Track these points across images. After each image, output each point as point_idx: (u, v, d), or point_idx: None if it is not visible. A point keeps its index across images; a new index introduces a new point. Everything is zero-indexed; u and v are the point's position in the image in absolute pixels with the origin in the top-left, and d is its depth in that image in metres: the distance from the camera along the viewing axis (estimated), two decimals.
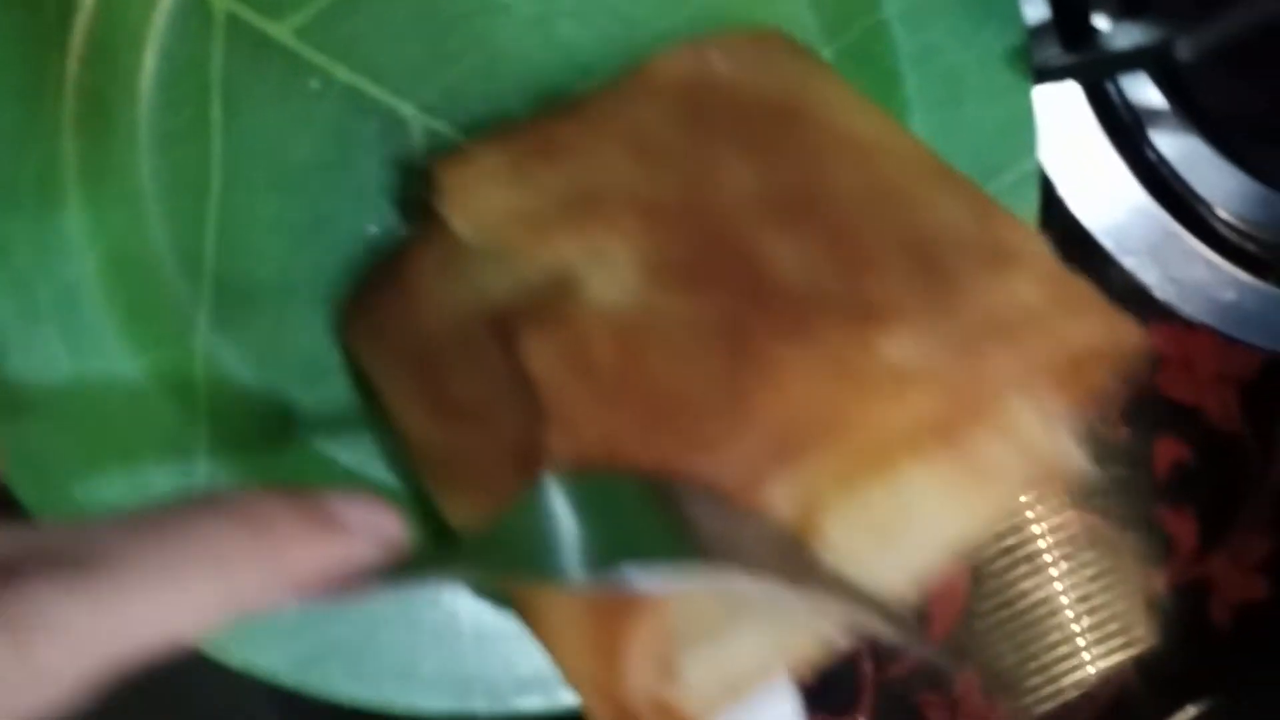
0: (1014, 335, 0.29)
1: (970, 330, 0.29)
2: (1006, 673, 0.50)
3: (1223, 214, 0.47)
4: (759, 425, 0.28)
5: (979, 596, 0.50)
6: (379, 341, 0.36)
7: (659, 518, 0.26)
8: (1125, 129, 0.46)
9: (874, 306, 0.29)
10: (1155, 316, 0.50)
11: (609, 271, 0.30)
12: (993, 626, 0.50)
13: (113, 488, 0.36)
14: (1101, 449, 0.50)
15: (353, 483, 0.38)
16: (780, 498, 0.28)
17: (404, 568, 0.25)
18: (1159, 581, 0.51)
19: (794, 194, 0.32)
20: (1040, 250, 0.32)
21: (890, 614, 0.28)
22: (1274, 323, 0.48)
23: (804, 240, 0.31)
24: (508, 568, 0.26)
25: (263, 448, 0.37)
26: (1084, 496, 0.50)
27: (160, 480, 0.37)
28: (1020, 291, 0.30)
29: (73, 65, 0.35)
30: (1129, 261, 0.47)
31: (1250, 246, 0.47)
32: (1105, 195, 0.46)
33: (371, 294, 0.37)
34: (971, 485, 0.31)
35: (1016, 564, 0.50)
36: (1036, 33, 0.45)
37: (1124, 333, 0.31)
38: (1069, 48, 0.45)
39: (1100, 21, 0.45)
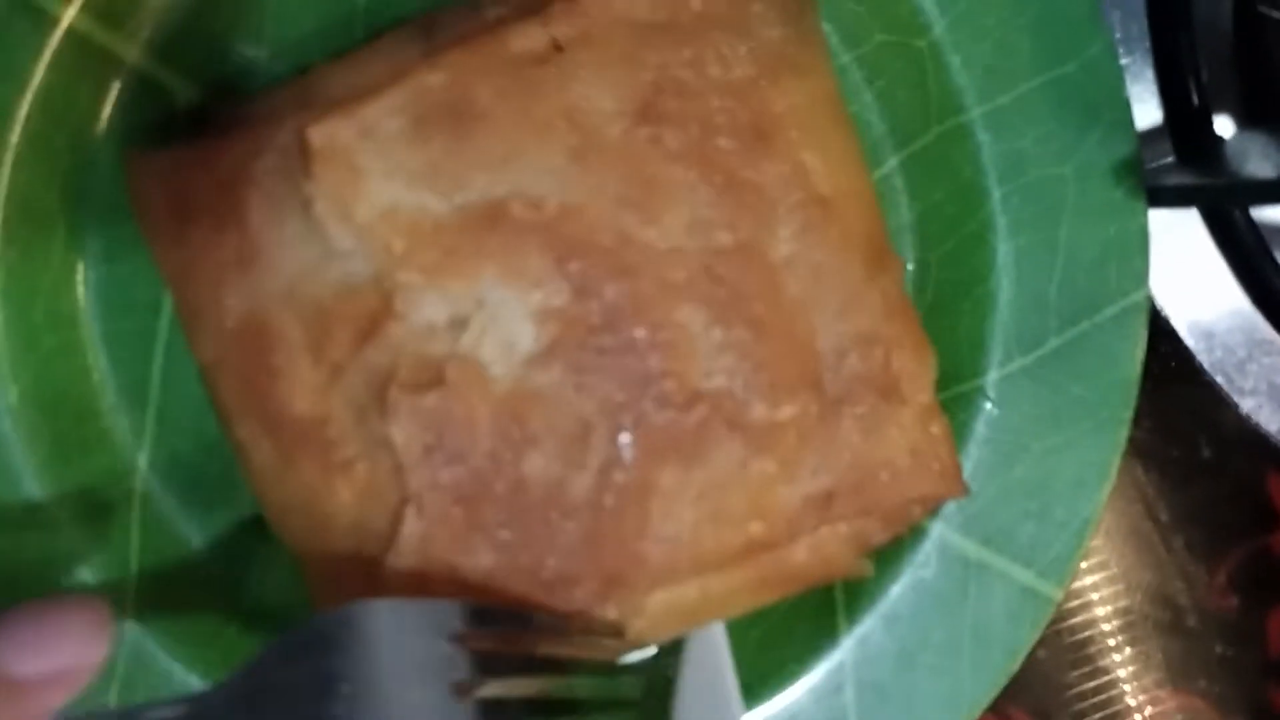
0: (866, 488, 0.32)
1: (830, 474, 0.31)
2: None
3: None
4: (609, 560, 0.30)
5: None
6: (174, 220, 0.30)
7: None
8: (1247, 252, 0.39)
9: (762, 435, 0.31)
10: (1274, 466, 0.43)
11: (498, 326, 0.29)
12: None
13: None
14: (1207, 622, 0.42)
15: None
16: (609, 612, 0.30)
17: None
18: None
19: (731, 267, 0.30)
20: (925, 399, 0.33)
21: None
22: None
23: (723, 332, 0.30)
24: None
25: (195, 616, 0.32)
26: (1184, 675, 0.43)
27: None
28: (890, 443, 0.32)
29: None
30: (1247, 404, 0.40)
31: None
32: (1223, 328, 0.39)
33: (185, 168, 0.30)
34: (771, 584, 0.33)
35: None
36: (1147, 138, 0.38)
37: (958, 489, 0.33)
38: (1185, 160, 0.38)
39: (1223, 126, 0.39)
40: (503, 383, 0.29)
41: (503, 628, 0.29)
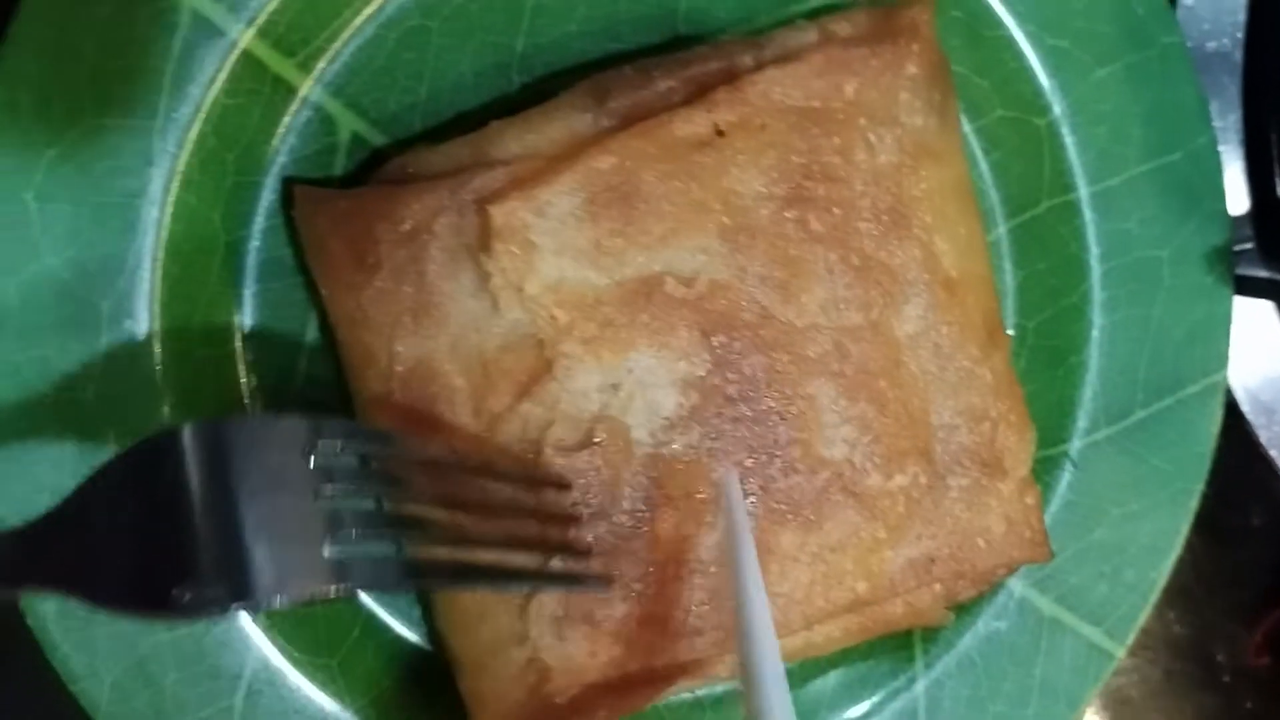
0: (964, 554, 0.34)
1: (933, 540, 0.34)
2: None
3: None
4: (729, 615, 0.31)
5: None
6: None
7: None
8: None
9: (875, 502, 0.33)
10: None
11: (645, 392, 0.31)
12: None
13: None
14: (1241, 679, 0.45)
15: None
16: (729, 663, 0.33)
17: None
18: None
19: (860, 343, 0.33)
20: (1024, 473, 0.35)
21: None
22: None
23: (848, 405, 0.32)
24: None
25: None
26: None
27: None
28: (989, 513, 0.34)
29: None
30: None
31: None
32: None
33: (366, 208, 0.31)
34: (865, 631, 0.35)
35: None
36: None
37: (1045, 555, 0.35)
38: (1265, 248, 0.40)
39: None
40: (645, 445, 0.31)
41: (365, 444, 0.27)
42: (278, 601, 0.24)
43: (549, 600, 0.31)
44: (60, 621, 0.31)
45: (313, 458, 0.25)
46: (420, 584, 0.29)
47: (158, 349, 0.32)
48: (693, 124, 0.31)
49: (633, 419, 0.31)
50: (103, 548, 0.24)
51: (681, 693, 0.35)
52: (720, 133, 0.31)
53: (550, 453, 0.30)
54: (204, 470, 0.25)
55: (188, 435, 0.25)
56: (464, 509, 0.29)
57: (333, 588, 0.24)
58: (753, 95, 0.31)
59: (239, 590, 0.24)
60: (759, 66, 0.32)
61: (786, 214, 0.32)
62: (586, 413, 0.31)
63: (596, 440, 0.31)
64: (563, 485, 0.31)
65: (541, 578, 0.30)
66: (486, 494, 0.30)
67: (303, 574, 0.24)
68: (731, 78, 0.32)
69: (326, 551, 0.25)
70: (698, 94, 0.31)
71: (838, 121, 0.32)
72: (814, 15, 0.35)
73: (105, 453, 0.31)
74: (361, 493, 0.26)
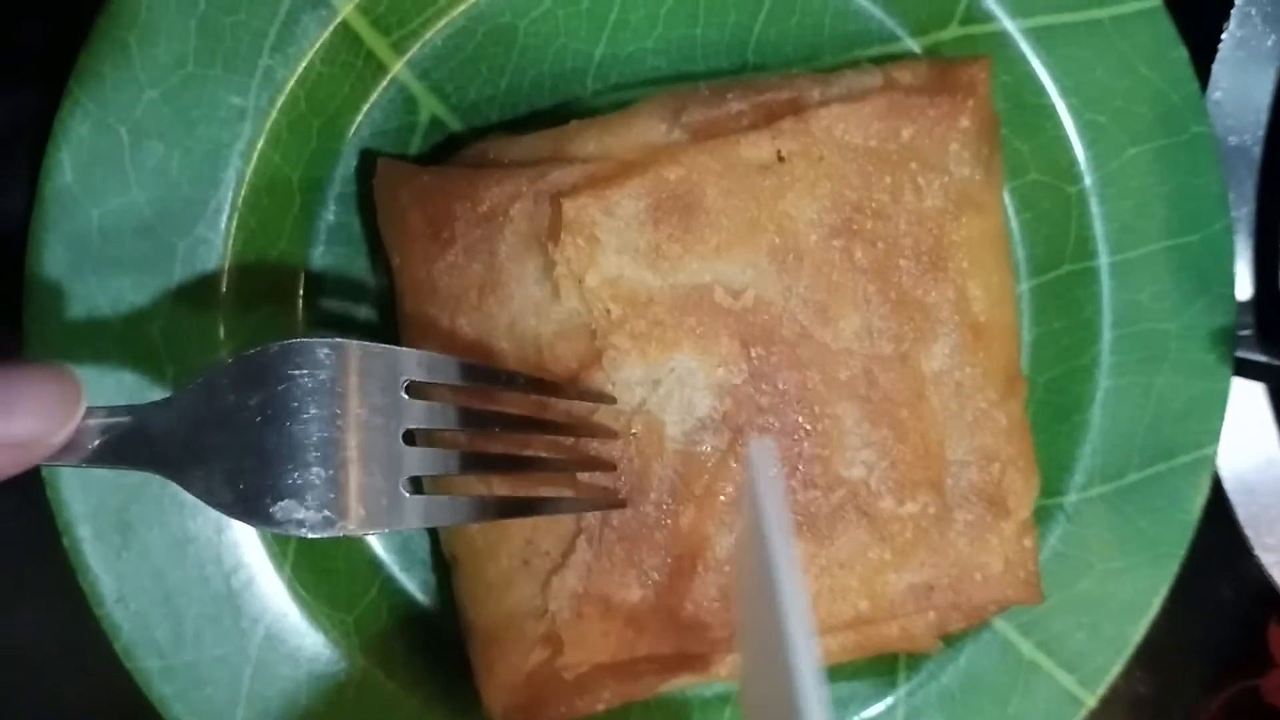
0: (962, 586, 0.36)
1: (934, 569, 0.35)
2: None
3: None
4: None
5: None
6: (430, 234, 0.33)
7: None
8: None
9: (885, 525, 0.35)
10: (1277, 619, 0.47)
11: (683, 391, 0.33)
12: None
13: None
14: None
15: None
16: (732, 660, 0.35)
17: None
18: None
19: (888, 373, 0.34)
20: (1025, 515, 0.36)
21: None
22: None
23: (870, 429, 0.34)
24: None
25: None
26: None
27: None
28: (989, 550, 0.36)
29: None
30: (1267, 559, 0.44)
31: None
32: (1264, 489, 0.44)
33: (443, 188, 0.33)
34: (859, 648, 0.37)
35: None
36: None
37: (1036, 598, 0.37)
38: (1264, 334, 0.43)
39: None
40: (677, 442, 0.33)
41: (473, 384, 0.30)
42: (365, 533, 0.25)
43: (571, 576, 0.32)
44: (95, 545, 0.32)
45: (404, 392, 0.27)
46: (491, 518, 0.31)
47: (224, 294, 0.33)
48: (758, 147, 0.33)
49: (669, 416, 0.33)
50: (208, 444, 0.25)
51: (679, 687, 0.36)
52: (781, 158, 0.33)
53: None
54: (311, 389, 0.26)
55: (300, 351, 0.26)
56: (521, 428, 0.31)
57: (417, 526, 0.26)
58: (816, 128, 0.33)
59: (331, 519, 0.25)
60: (825, 102, 0.34)
61: (834, 242, 0.34)
62: (627, 405, 0.32)
63: (634, 431, 0.32)
64: (606, 399, 0.32)
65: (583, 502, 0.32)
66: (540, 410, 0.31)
67: (391, 511, 0.26)
68: (798, 109, 0.34)
69: (412, 489, 0.27)
70: (765, 119, 0.33)
71: (891, 163, 0.34)
72: (877, 61, 0.37)
73: (163, 389, 0.32)
74: (448, 428, 0.28)
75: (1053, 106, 0.38)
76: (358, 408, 0.26)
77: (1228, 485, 0.44)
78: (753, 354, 0.33)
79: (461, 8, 0.34)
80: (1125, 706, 0.47)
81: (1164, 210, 0.39)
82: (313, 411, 0.26)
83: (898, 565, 0.35)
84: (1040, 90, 0.38)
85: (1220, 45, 0.42)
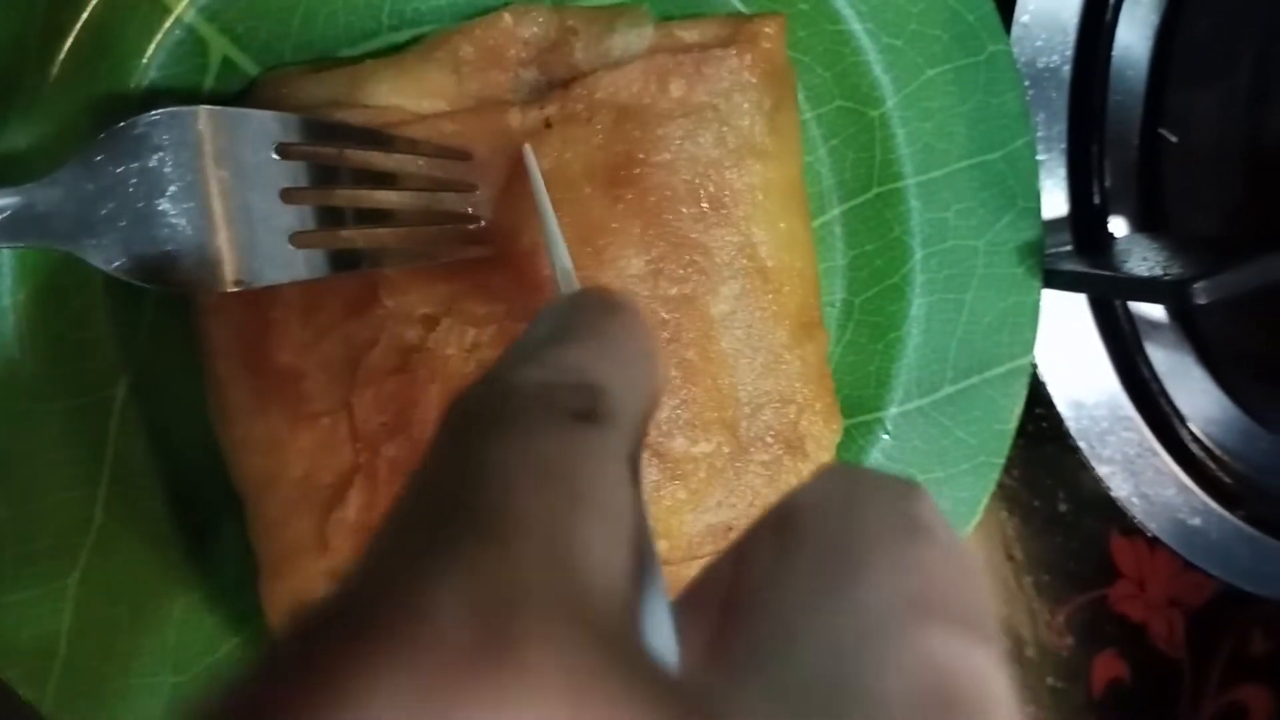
0: None
1: (732, 510, 0.36)
2: None
3: (1205, 440, 0.45)
4: None
5: None
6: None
7: None
8: (1123, 338, 0.45)
9: (678, 465, 0.35)
10: (1118, 530, 0.49)
11: (461, 327, 0.34)
12: None
13: None
14: (1043, 655, 0.48)
15: None
16: None
17: None
18: None
19: (673, 314, 0.35)
20: (826, 458, 0.37)
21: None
22: (1235, 555, 0.47)
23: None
24: None
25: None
26: (1016, 703, 0.48)
27: None
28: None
29: None
30: (1103, 470, 0.45)
31: (1225, 477, 0.46)
32: (1091, 401, 0.45)
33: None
34: None
35: None
36: (1051, 226, 0.43)
37: None
38: (1081, 250, 0.44)
39: (1117, 226, 0.44)
40: (455, 379, 0.33)
41: (336, 142, 0.31)
42: (255, 285, 0.29)
43: (350, 509, 0.33)
44: None
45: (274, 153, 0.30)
46: (370, 266, 0.33)
47: None
48: (525, 118, 0.34)
49: (449, 351, 0.33)
50: (98, 216, 0.28)
51: None
52: (549, 124, 0.34)
53: (366, 372, 0.33)
54: (186, 157, 0.28)
55: (171, 120, 0.28)
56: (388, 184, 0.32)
57: (303, 277, 0.29)
58: (581, 95, 0.34)
59: (222, 275, 0.28)
60: (590, 70, 0.35)
61: (608, 193, 0.35)
62: (408, 340, 0.33)
63: (411, 367, 0.33)
64: (463, 156, 0.34)
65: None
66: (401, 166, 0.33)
67: (278, 263, 0.29)
68: (570, 74, 0.35)
69: (295, 242, 0.30)
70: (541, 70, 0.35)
71: (664, 116, 0.35)
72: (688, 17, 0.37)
73: None
74: (319, 185, 0.31)
75: (850, 32, 0.39)
76: (233, 170, 0.29)
77: (1057, 402, 0.45)
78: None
79: None
80: None
81: (965, 129, 0.40)
82: (190, 177, 0.28)
83: (694, 505, 0.36)
84: (837, 17, 0.39)
85: None
